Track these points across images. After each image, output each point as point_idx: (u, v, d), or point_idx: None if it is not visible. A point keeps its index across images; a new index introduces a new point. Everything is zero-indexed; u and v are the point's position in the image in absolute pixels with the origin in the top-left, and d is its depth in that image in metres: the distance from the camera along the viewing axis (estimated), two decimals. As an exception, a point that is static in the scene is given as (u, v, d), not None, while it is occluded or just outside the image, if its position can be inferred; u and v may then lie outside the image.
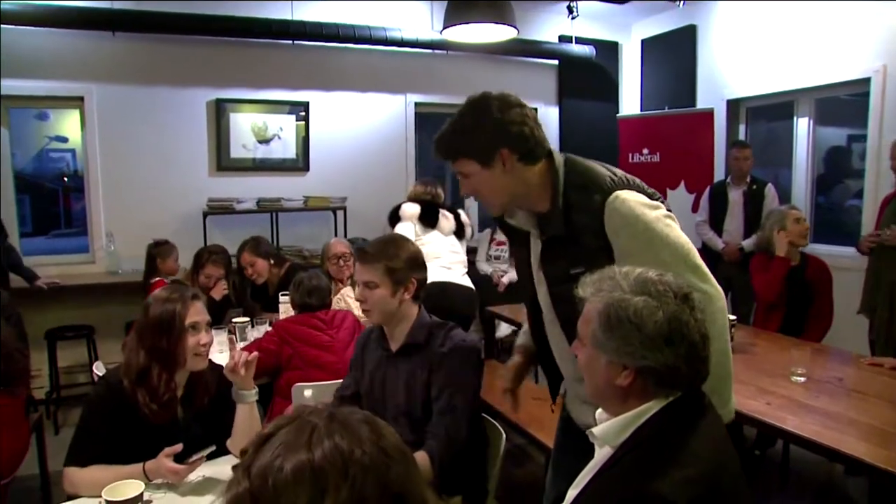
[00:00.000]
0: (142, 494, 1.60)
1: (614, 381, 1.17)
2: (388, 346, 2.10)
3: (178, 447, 1.77)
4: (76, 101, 4.88)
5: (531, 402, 3.48)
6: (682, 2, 5.45)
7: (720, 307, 1.49)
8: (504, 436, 2.15)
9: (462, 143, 1.60)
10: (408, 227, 3.98)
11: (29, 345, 3.20)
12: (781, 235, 3.39)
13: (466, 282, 4.09)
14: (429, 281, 2.16)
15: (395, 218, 4.11)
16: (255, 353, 1.96)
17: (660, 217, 1.52)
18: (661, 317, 1.12)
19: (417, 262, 2.06)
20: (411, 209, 4.06)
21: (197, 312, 1.91)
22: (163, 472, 1.75)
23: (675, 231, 1.53)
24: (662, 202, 1.59)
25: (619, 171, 1.62)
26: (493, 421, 2.21)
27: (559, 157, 1.61)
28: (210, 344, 1.94)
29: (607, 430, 1.21)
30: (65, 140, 5.17)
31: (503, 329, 4.87)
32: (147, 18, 4.71)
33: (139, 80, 4.93)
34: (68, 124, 5.14)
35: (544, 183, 1.59)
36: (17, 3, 4.24)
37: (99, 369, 2.70)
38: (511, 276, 5.03)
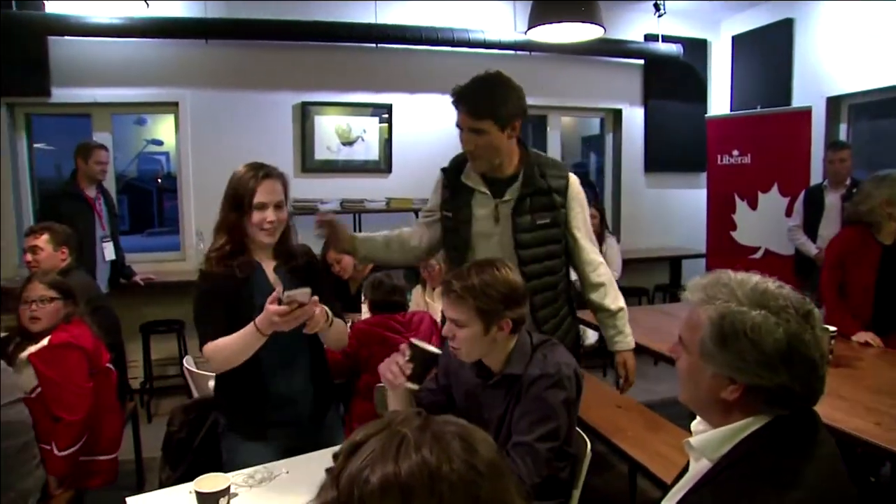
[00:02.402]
0: (228, 487, 1.63)
1: (718, 393, 1.09)
2: (483, 373, 1.89)
3: (279, 290, 1.83)
4: (171, 107, 5.11)
5: (614, 409, 3.39)
6: (778, -5, 5.19)
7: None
8: (589, 445, 2.07)
9: (493, 107, 2.00)
10: None
11: (120, 337, 3.36)
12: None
13: None
14: None
15: None
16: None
17: None
18: (781, 335, 1.03)
19: (514, 298, 1.76)
20: None
21: (266, 191, 1.94)
22: (270, 318, 1.77)
23: None
24: None
25: None
26: (577, 429, 2.14)
27: None
28: (276, 222, 1.97)
29: (706, 442, 1.13)
30: (160, 143, 5.45)
31: (590, 336, 4.73)
32: (237, 26, 4.89)
33: (229, 84, 5.12)
34: (163, 128, 5.40)
35: (515, 152, 2.13)
36: (124, 17, 4.48)
37: (189, 364, 2.79)
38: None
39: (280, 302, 1.77)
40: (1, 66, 4.58)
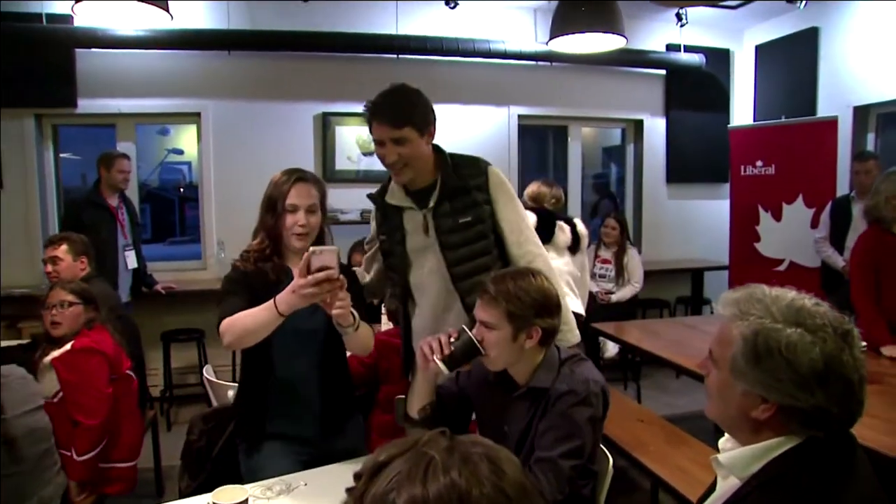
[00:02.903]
0: (247, 500, 1.62)
1: (749, 412, 1.06)
2: (507, 385, 1.84)
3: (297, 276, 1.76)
4: (193, 117, 5.17)
5: (636, 423, 3.34)
6: (803, 3, 5.12)
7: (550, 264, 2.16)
8: (611, 461, 2.04)
9: (412, 112, 2.00)
10: None
11: (140, 346, 3.39)
12: None
13: (578, 308, 3.65)
14: None
15: None
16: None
17: None
18: (818, 354, 0.99)
19: (547, 307, 1.75)
20: None
21: (298, 195, 1.95)
22: (288, 294, 1.73)
23: None
24: None
25: None
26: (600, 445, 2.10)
27: None
28: (308, 226, 1.97)
29: (735, 460, 1.10)
30: (181, 152, 5.51)
31: (610, 349, 4.68)
32: (260, 37, 4.95)
33: (251, 95, 5.16)
34: (185, 139, 5.46)
35: (432, 159, 2.11)
36: (148, 30, 4.55)
37: (209, 373, 2.79)
38: (620, 294, 4.85)
39: (309, 273, 1.70)
40: (30, 79, 4.69)
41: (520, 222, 2.18)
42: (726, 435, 1.18)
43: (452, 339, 1.75)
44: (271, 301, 1.76)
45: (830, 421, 1.02)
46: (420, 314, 2.19)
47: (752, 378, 1.04)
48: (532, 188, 3.84)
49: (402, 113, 2.00)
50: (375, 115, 2.01)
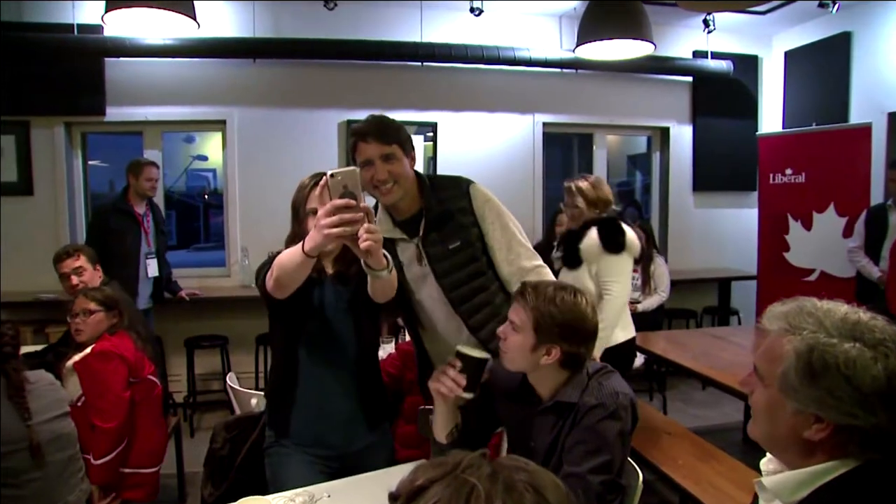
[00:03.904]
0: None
1: (800, 432, 0.99)
2: (534, 398, 1.80)
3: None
4: (219, 125, 5.20)
5: (663, 436, 3.27)
6: (835, 7, 5.03)
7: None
8: (640, 476, 1.98)
9: (398, 132, 2.02)
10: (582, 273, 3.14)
11: (160, 351, 3.42)
12: None
13: (629, 333, 3.27)
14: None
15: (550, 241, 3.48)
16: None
17: None
18: (880, 371, 0.93)
19: (576, 332, 1.68)
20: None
21: (316, 199, 1.89)
22: (313, 234, 1.62)
23: None
24: None
25: None
26: (628, 460, 2.05)
27: None
28: None
29: (781, 484, 1.04)
30: (205, 159, 5.56)
31: (636, 359, 4.60)
32: (285, 45, 4.98)
33: (276, 103, 5.18)
34: (210, 146, 5.51)
35: (415, 182, 2.07)
36: (175, 38, 4.59)
37: (232, 380, 2.78)
38: (646, 304, 4.77)
39: (330, 197, 1.59)
40: (60, 88, 4.78)
41: (510, 239, 2.12)
42: (768, 455, 1.11)
43: (458, 367, 1.73)
44: (300, 245, 1.67)
45: (890, 443, 0.96)
46: (432, 338, 2.18)
47: (806, 396, 0.98)
48: (588, 192, 3.19)
49: (390, 131, 2.01)
50: (366, 135, 2.00)
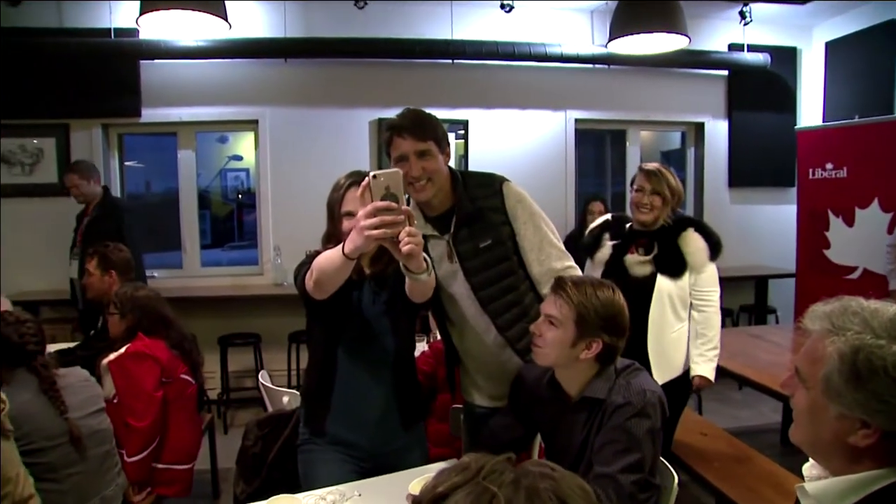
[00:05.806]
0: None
1: (845, 438, 0.95)
2: (562, 396, 1.82)
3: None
4: (251, 125, 5.26)
5: (698, 436, 3.21)
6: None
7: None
8: (676, 478, 1.94)
9: (435, 128, 2.00)
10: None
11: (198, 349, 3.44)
12: None
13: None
14: None
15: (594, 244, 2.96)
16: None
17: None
18: None
19: (616, 325, 1.72)
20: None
21: (353, 200, 1.82)
22: (353, 236, 1.57)
23: None
24: None
25: None
26: (662, 460, 2.01)
27: None
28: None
29: (824, 492, 0.99)
30: (240, 158, 5.63)
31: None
32: (316, 45, 5.01)
33: (308, 102, 5.22)
34: (244, 146, 5.57)
35: (448, 178, 2.04)
36: (208, 40, 4.66)
37: (264, 378, 2.80)
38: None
39: (372, 199, 1.53)
40: (98, 91, 4.89)
41: (541, 240, 2.07)
42: (811, 460, 1.07)
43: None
44: (339, 247, 1.64)
45: None
46: (461, 335, 2.16)
47: (851, 400, 0.93)
48: (672, 181, 2.87)
49: (426, 126, 1.99)
50: (401, 130, 1.98)
